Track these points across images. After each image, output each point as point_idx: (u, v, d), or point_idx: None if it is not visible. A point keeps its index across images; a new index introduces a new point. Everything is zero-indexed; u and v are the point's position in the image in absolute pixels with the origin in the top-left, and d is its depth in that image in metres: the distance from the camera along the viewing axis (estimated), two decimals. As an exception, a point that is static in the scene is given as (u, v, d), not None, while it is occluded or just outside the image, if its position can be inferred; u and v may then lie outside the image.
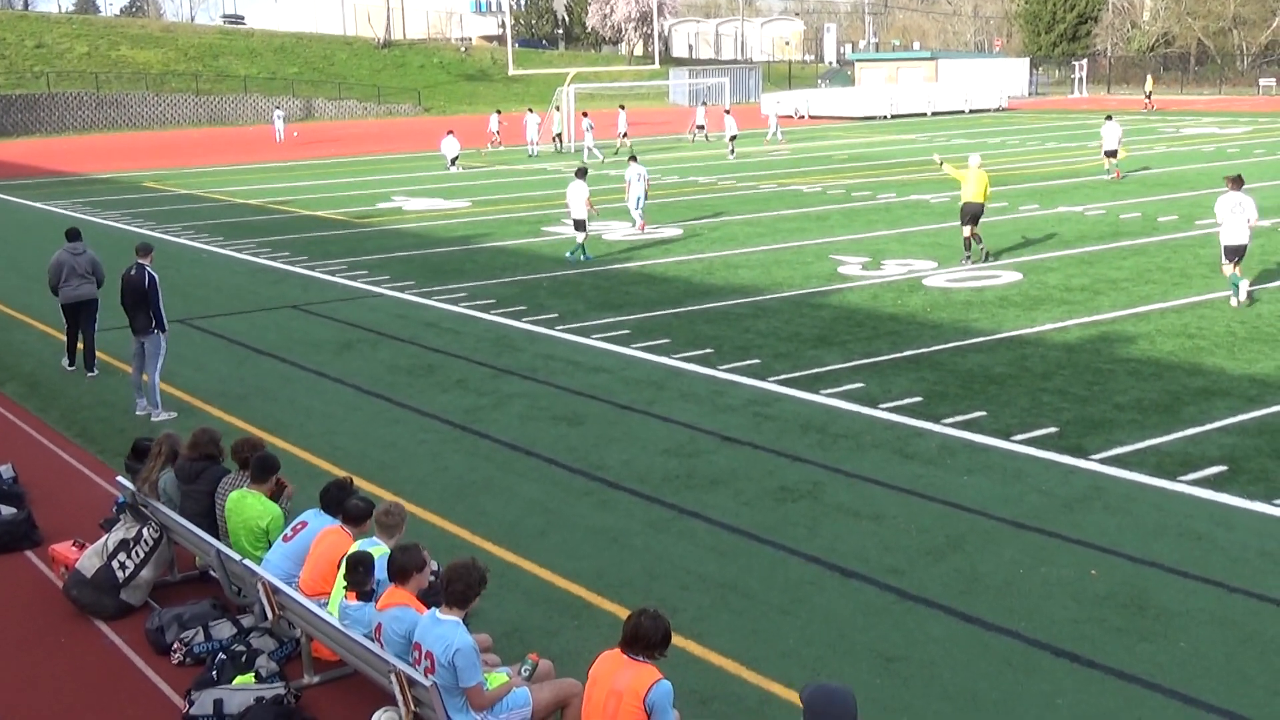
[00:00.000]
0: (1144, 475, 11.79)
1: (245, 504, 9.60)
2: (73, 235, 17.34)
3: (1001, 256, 23.86)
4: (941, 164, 26.03)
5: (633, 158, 29.71)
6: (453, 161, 47.16)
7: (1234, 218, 19.23)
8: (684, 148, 55.46)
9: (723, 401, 14.80)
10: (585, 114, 53.83)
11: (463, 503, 11.79)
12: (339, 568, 8.33)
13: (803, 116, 75.64)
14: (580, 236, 25.18)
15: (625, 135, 53.36)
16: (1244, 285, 19.33)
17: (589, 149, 50.41)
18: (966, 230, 23.41)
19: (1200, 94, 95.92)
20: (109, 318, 17.50)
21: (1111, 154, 37.46)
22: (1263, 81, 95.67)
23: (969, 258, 23.43)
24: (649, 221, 28.88)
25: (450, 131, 48.11)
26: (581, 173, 26.06)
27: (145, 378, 15.16)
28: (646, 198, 28.80)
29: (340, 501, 8.99)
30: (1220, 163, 41.14)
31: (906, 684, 8.18)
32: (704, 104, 60.50)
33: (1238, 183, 19.64)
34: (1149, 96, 77.53)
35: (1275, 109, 73.59)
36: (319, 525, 9.00)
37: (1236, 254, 19.16)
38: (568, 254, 25.33)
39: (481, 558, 9.53)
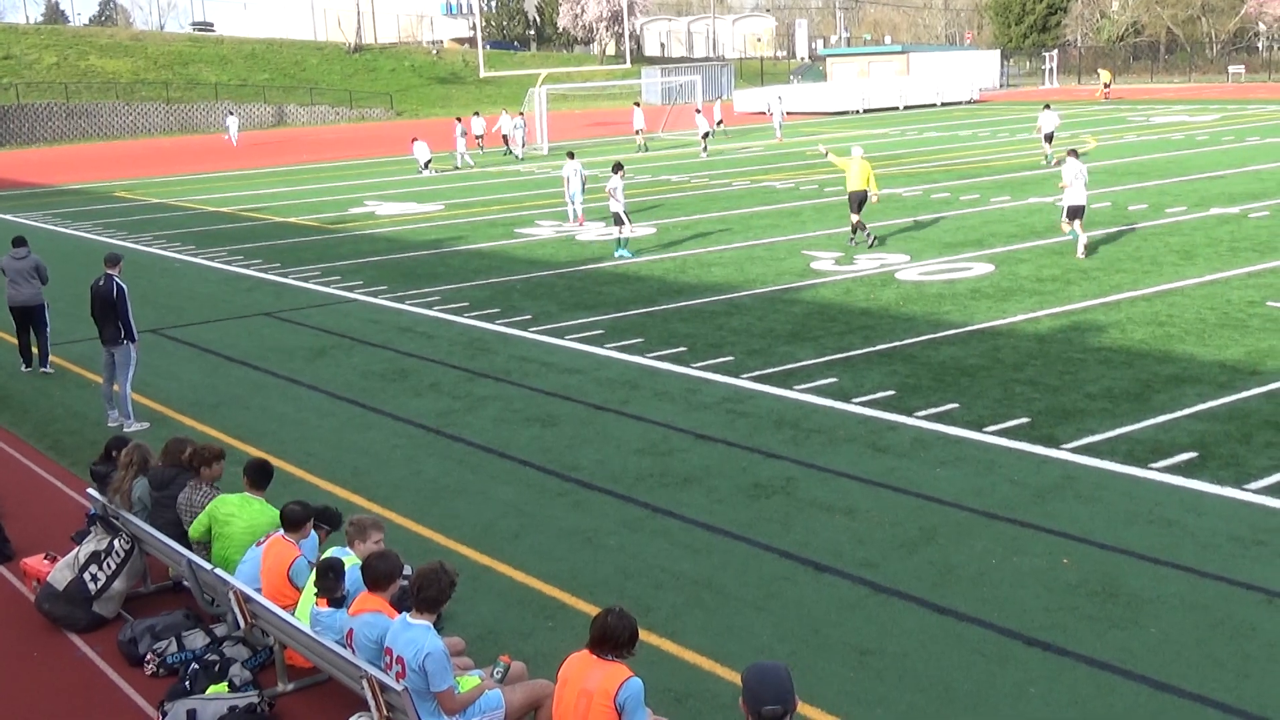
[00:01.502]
0: (1115, 463, 11.85)
1: (251, 509, 9.53)
2: (18, 242, 17.93)
3: (973, 249, 23.94)
4: (826, 154, 27.27)
5: (570, 155, 30.96)
6: (426, 165, 47.15)
7: (1077, 182, 22.88)
8: (655, 145, 55.44)
9: (696, 399, 14.81)
10: (460, 119, 52.96)
11: (437, 506, 11.77)
12: (288, 577, 8.32)
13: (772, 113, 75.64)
14: (620, 231, 25.18)
15: (640, 131, 53.61)
16: (1082, 238, 22.71)
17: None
18: (854, 216, 24.99)
19: (1170, 82, 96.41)
20: (80, 328, 17.44)
21: (1049, 138, 39.32)
22: (1231, 69, 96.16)
23: (855, 241, 25.09)
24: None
25: (415, 139, 48.06)
26: (617, 167, 26.04)
27: (116, 388, 15.11)
28: (584, 192, 30.13)
29: (293, 514, 8.99)
30: (1190, 150, 41.38)
31: (880, 677, 8.21)
32: (637, 104, 60.12)
33: (1076, 154, 23.73)
34: (1107, 86, 77.94)
35: (1244, 96, 73.98)
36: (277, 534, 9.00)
37: (1077, 213, 22.96)
38: (616, 252, 25.32)
39: (455, 561, 9.56)
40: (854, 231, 25.09)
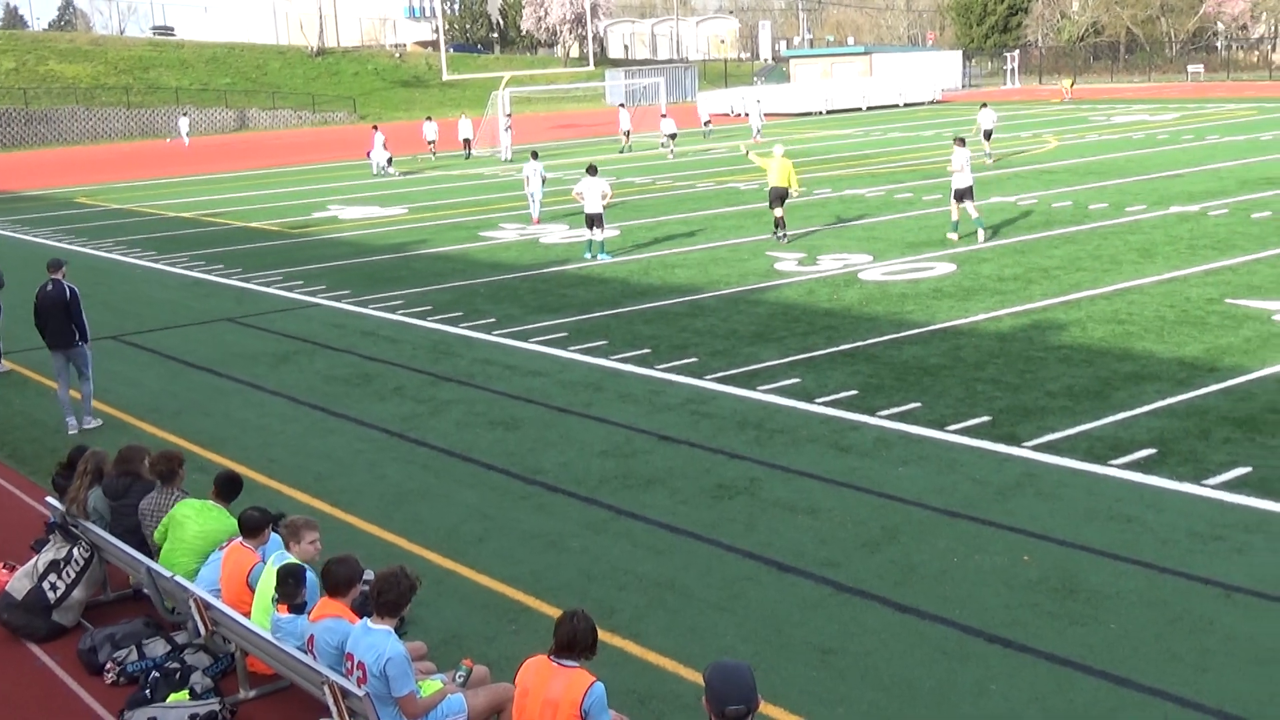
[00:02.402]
0: (1075, 460, 11.93)
1: (208, 515, 9.46)
2: None
3: (935, 249, 24.06)
4: (748, 153, 27.92)
5: (534, 154, 31.94)
6: (389, 162, 47.12)
7: (966, 167, 25.01)
8: (617, 148, 55.46)
9: (660, 401, 14.83)
10: (376, 128, 51.31)
11: (400, 511, 11.74)
12: (247, 583, 8.27)
13: (739, 115, 75.76)
14: (596, 234, 25.12)
15: (628, 133, 53.55)
16: (973, 213, 24.93)
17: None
18: (777, 211, 26.10)
19: (1130, 82, 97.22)
20: (32, 337, 17.27)
21: (988, 136, 40.51)
22: (1191, 68, 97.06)
23: (781, 236, 26.11)
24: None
25: (376, 141, 47.85)
26: (592, 169, 25.81)
27: (75, 393, 15.04)
28: (543, 192, 30.91)
29: (251, 519, 8.94)
30: (1150, 149, 41.72)
31: (843, 676, 8.24)
32: (623, 105, 60.02)
33: (962, 142, 25.74)
34: (1070, 86, 78.68)
35: (1203, 95, 74.65)
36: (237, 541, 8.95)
37: (965, 194, 24.96)
38: (585, 253, 25.35)
39: (419, 566, 9.56)
40: (777, 226, 26.25)
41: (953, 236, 24.99)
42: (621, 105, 56.97)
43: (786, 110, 75.71)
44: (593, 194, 24.78)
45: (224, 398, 16.24)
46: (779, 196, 26.05)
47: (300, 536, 8.46)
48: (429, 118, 57.75)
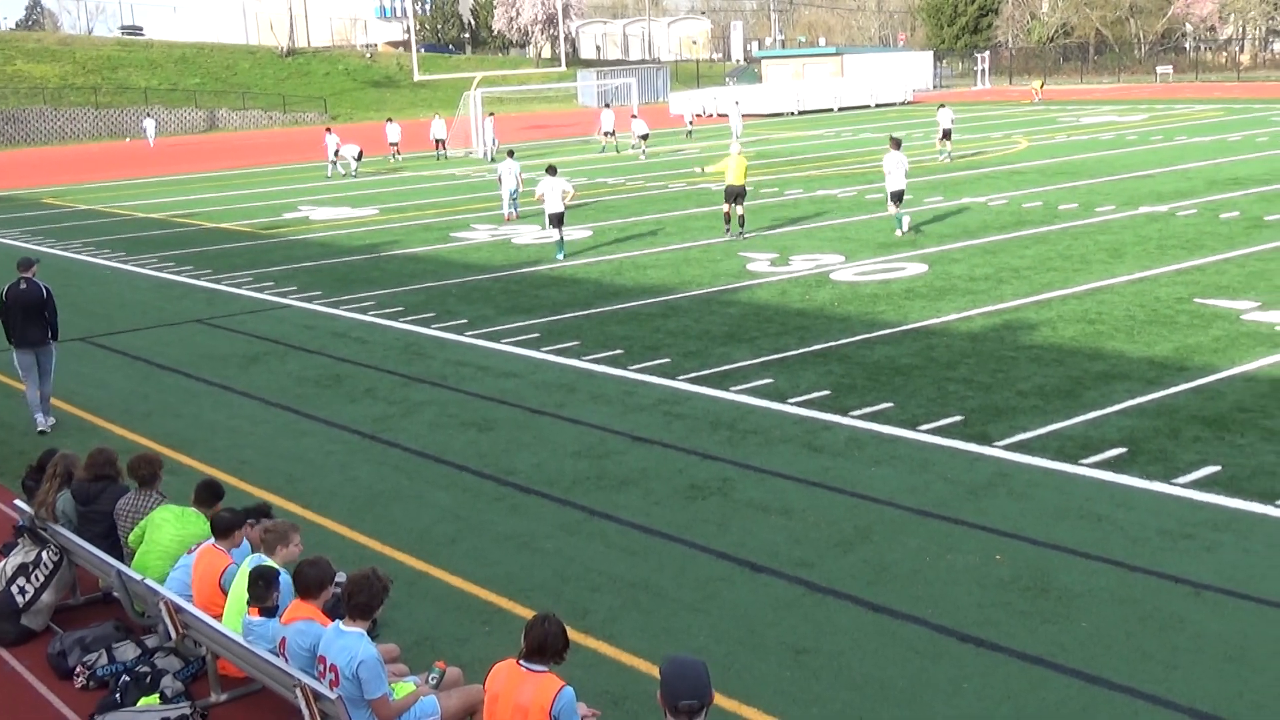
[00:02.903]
0: (1046, 460, 11.98)
1: (185, 519, 9.39)
2: None
3: (909, 248, 24.15)
4: (704, 170, 28.36)
5: (510, 153, 32.88)
6: (357, 158, 46.96)
7: (897, 169, 25.67)
8: (594, 148, 55.46)
9: (633, 402, 14.82)
10: (329, 130, 50.76)
11: (372, 513, 11.70)
12: (220, 585, 8.23)
13: (711, 115, 75.90)
14: (557, 234, 25.48)
15: (612, 133, 53.33)
16: (906, 220, 25.92)
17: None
18: (737, 209, 26.63)
19: (1100, 83, 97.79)
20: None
21: (947, 135, 41.15)
22: (1160, 69, 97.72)
23: (734, 231, 26.64)
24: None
25: (342, 143, 47.52)
26: (552, 170, 26.26)
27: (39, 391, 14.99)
28: (519, 190, 31.77)
29: (223, 520, 8.89)
30: (1120, 150, 41.97)
31: (816, 675, 8.24)
32: (607, 105, 59.82)
33: (897, 144, 26.45)
34: (1041, 87, 79.20)
35: (1172, 96, 75.15)
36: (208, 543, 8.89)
37: (898, 197, 25.75)
38: (557, 253, 25.47)
39: (391, 567, 9.53)
40: (726, 221, 26.99)
41: (899, 233, 25.80)
42: (606, 106, 56.71)
43: (758, 111, 75.76)
44: (553, 194, 25.17)
45: (194, 399, 16.15)
46: (735, 194, 26.55)
47: (288, 540, 8.41)
48: (390, 119, 57.40)
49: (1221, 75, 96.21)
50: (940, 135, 41.65)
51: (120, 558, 9.46)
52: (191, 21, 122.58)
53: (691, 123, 59.90)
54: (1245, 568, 9.43)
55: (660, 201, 34.11)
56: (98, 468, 9.99)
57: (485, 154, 52.15)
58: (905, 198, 26.27)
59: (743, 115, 58.81)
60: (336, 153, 47.39)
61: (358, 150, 47.56)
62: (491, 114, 55.15)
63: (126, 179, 50.95)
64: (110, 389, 16.91)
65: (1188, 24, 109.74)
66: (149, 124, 74.30)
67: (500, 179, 31.65)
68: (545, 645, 6.55)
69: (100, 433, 14.61)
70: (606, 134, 53.51)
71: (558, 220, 25.35)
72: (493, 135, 52.44)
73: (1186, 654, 8.21)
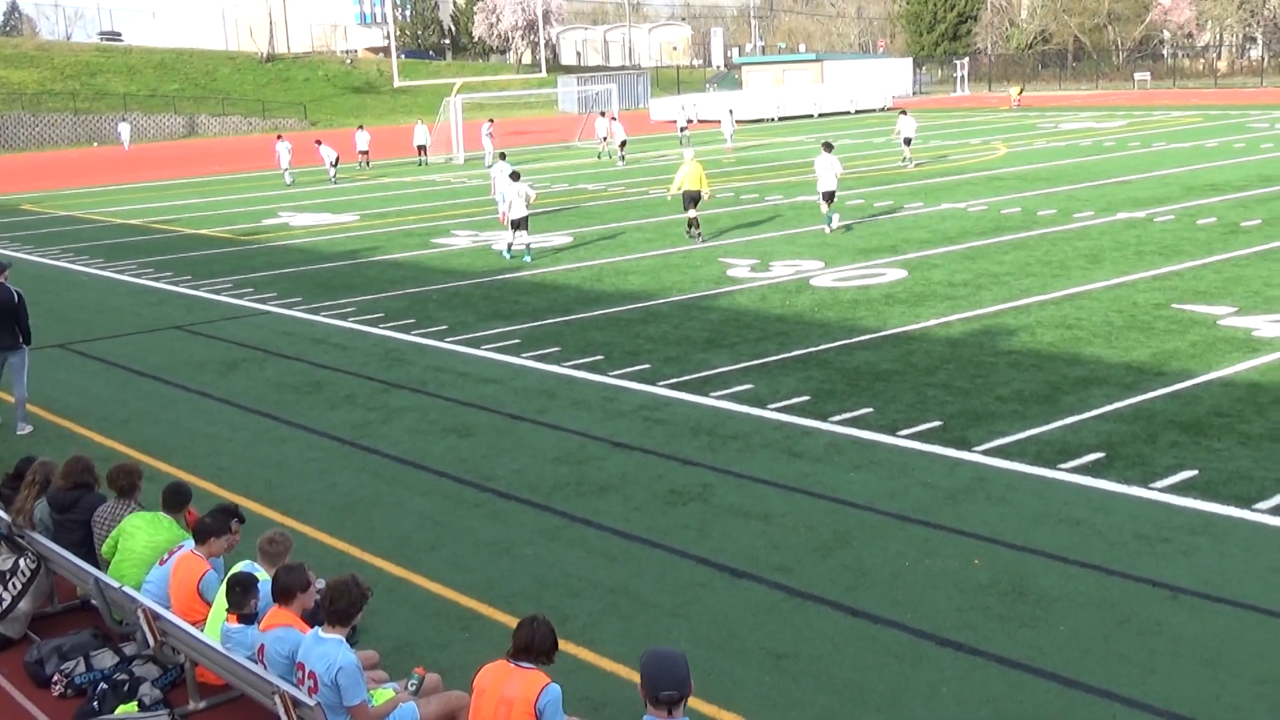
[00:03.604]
0: (1025, 465, 12.02)
1: (158, 525, 9.37)
2: None
3: (886, 254, 24.22)
4: (670, 195, 28.68)
5: (501, 155, 33.34)
6: (334, 163, 46.77)
7: (827, 172, 27.38)
8: (574, 154, 55.49)
9: (613, 408, 14.83)
10: (280, 136, 50.30)
11: (351, 519, 11.67)
12: (198, 592, 8.20)
13: (691, 121, 75.95)
14: (521, 236, 25.95)
15: (605, 139, 52.94)
16: (835, 218, 27.54)
17: (287, 171, 47.77)
18: (690, 213, 27.34)
19: (1078, 89, 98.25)
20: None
21: (908, 142, 41.80)
22: (1138, 76, 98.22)
23: (698, 235, 27.38)
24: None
25: (319, 142, 47.25)
26: (515, 175, 26.73)
27: (8, 396, 14.95)
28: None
29: (204, 526, 8.86)
30: (1098, 156, 42.17)
31: (796, 680, 8.26)
32: (603, 112, 58.84)
33: (829, 148, 28.26)
34: (1020, 93, 79.62)
35: (1150, 102, 75.54)
36: (187, 549, 8.86)
37: (829, 197, 27.43)
38: (525, 257, 25.90)
39: (370, 574, 9.51)
40: (690, 226, 27.54)
41: (828, 230, 27.47)
42: (602, 113, 56.20)
43: (739, 117, 75.80)
44: (517, 199, 25.71)
45: (173, 406, 16.10)
46: (691, 199, 27.28)
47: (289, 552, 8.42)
48: (360, 126, 56.96)
49: (1199, 82, 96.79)
50: (902, 141, 42.08)
51: (97, 565, 9.43)
52: (171, 27, 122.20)
53: (685, 128, 59.84)
54: (1222, 571, 9.48)
55: (640, 208, 34.14)
56: (74, 475, 9.94)
57: (487, 161, 51.63)
58: (835, 198, 27.84)
59: (697, 120, 58.98)
60: (329, 155, 47.12)
61: (335, 155, 47.36)
62: (491, 119, 54.96)
63: (105, 185, 50.77)
64: (88, 396, 16.85)
65: (1165, 31, 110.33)
66: (124, 128, 74.54)
67: (494, 182, 31.87)
68: (533, 644, 6.63)
69: (78, 439, 14.55)
70: (604, 140, 53.26)
71: (521, 224, 25.94)
72: (489, 129, 52.39)
73: (1164, 657, 8.25)
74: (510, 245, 26.24)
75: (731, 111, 57.48)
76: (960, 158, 43.89)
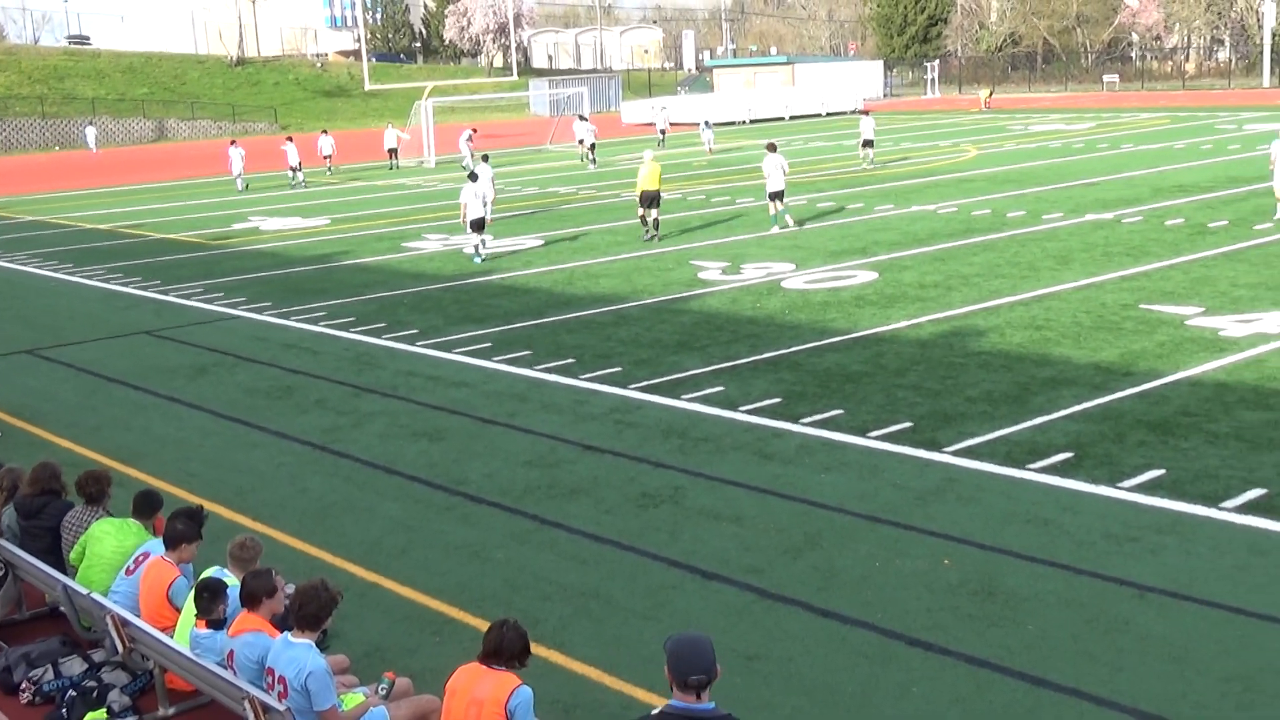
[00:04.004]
0: (994, 465, 12.09)
1: (126, 530, 9.32)
2: None
3: (857, 256, 24.30)
4: (654, 224, 28.51)
5: (484, 158, 33.96)
6: (295, 170, 46.38)
7: (776, 171, 28.09)
8: (546, 158, 55.44)
9: (584, 410, 14.83)
10: (234, 142, 48.93)
11: (322, 524, 11.64)
12: (168, 598, 8.17)
13: (670, 124, 75.92)
14: (481, 238, 26.50)
15: (583, 142, 52.10)
16: (788, 218, 28.54)
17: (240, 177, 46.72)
18: (642, 211, 28.07)
19: (1047, 91, 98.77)
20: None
21: (869, 144, 42.30)
22: (1106, 78, 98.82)
23: (651, 234, 27.99)
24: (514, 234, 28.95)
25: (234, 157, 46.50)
26: (473, 177, 27.34)
27: None
28: (493, 196, 31.99)
29: (174, 531, 8.81)
30: (1067, 158, 42.41)
31: (766, 681, 8.28)
32: (582, 116, 57.95)
33: (773, 148, 28.90)
34: (990, 96, 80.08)
35: (1118, 104, 76.01)
36: (156, 555, 8.82)
37: (778, 196, 28.25)
38: (475, 259, 26.40)
39: (341, 579, 9.48)
40: (643, 223, 28.27)
41: (776, 230, 28.34)
42: (581, 118, 55.81)
43: (711, 119, 75.86)
44: (475, 200, 26.38)
45: (142, 412, 16.02)
46: (650, 199, 27.99)
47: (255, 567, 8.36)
48: (324, 131, 56.53)
49: (1167, 84, 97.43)
50: (861, 143, 42.56)
51: (65, 572, 9.37)
52: (139, 31, 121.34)
53: (664, 131, 59.71)
54: (1188, 570, 9.56)
55: (611, 211, 34.14)
56: (42, 482, 9.89)
57: (465, 165, 51.27)
58: (785, 197, 29.05)
59: (672, 123, 59.10)
60: (294, 156, 46.66)
61: (298, 160, 47.01)
62: (474, 128, 54.60)
63: (74, 190, 50.46)
64: (57, 401, 16.75)
65: (1134, 33, 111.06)
66: (90, 131, 74.43)
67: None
68: (501, 648, 6.65)
69: (47, 446, 14.45)
70: (580, 143, 52.63)
71: (479, 226, 26.53)
72: (469, 133, 52.19)
73: (1131, 655, 8.31)
74: (481, 243, 26.61)
75: (709, 122, 57.01)
76: (923, 159, 44.05)
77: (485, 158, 34.82)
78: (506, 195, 39.41)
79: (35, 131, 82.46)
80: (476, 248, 26.56)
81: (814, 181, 39.03)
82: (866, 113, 44.27)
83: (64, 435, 15.06)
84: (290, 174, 47.52)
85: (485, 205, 26.51)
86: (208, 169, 58.32)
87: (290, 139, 50.03)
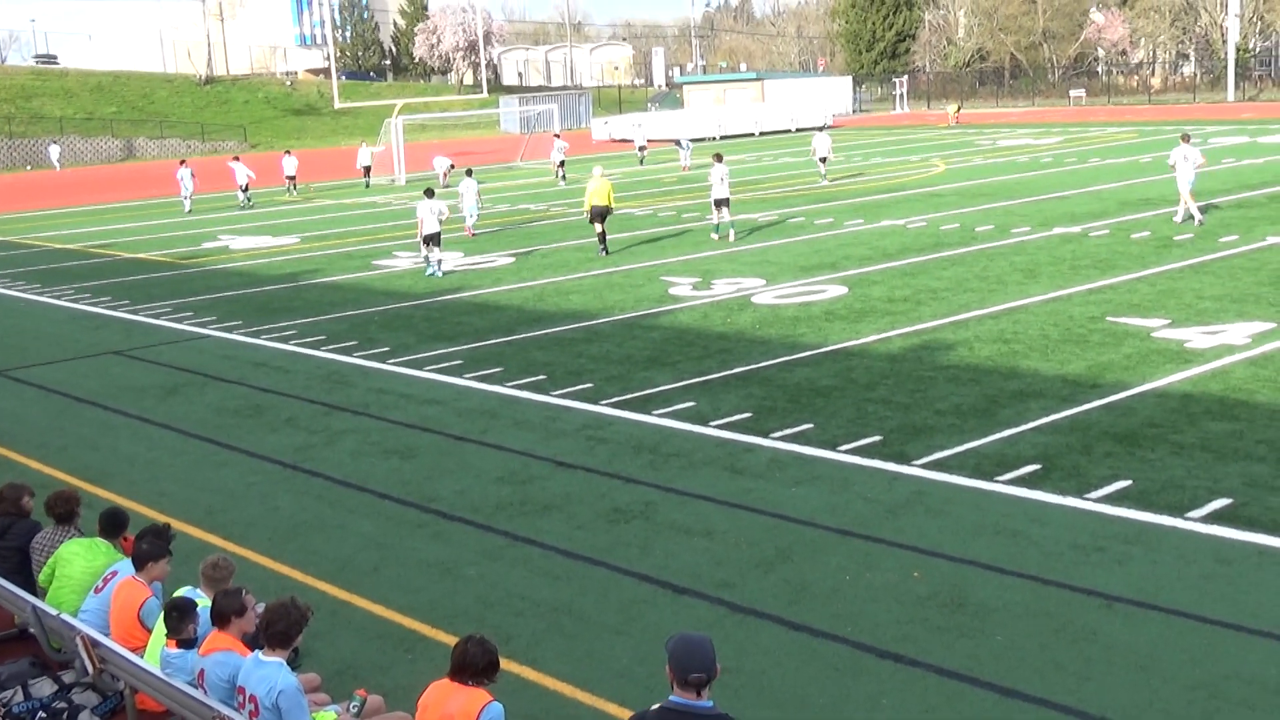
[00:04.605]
0: (963, 477, 12.17)
1: (95, 550, 9.28)
2: None
3: (827, 271, 24.42)
4: (602, 239, 29.03)
5: (468, 172, 35.34)
6: (244, 190, 45.89)
7: (721, 183, 29.53)
8: (516, 175, 55.47)
9: (556, 427, 14.86)
10: (184, 162, 47.94)
11: (293, 543, 11.62)
12: (139, 618, 8.14)
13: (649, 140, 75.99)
14: (435, 253, 26.99)
15: (561, 163, 51.42)
16: (731, 232, 29.77)
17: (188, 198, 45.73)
18: (598, 227, 28.75)
19: (1015, 106, 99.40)
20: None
21: (824, 160, 43.23)
22: (1073, 93, 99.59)
23: (602, 250, 28.51)
24: (493, 250, 28.93)
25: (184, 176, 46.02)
26: (430, 193, 27.63)
27: None
28: (479, 208, 34.13)
29: (141, 551, 8.79)
30: (1035, 172, 42.72)
31: (738, 695, 8.31)
32: (557, 134, 57.39)
33: (719, 158, 30.39)
34: (958, 111, 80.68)
35: (1085, 119, 76.60)
36: (125, 575, 8.79)
37: (724, 204, 29.79)
38: (428, 270, 27.15)
39: (313, 597, 9.47)
40: (601, 241, 28.78)
41: (715, 237, 29.90)
42: (556, 135, 55.56)
43: (681, 136, 76.11)
44: (430, 216, 26.73)
45: (112, 432, 15.96)
46: (599, 214, 28.66)
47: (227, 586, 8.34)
48: (288, 151, 56.09)
49: (1133, 98, 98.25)
50: (818, 160, 43.19)
51: (34, 593, 9.33)
52: (108, 50, 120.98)
53: (644, 148, 59.78)
54: (1155, 579, 9.64)
55: (581, 227, 34.09)
56: (9, 502, 9.84)
57: (441, 181, 50.96)
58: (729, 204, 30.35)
59: (656, 140, 59.31)
60: (242, 175, 45.98)
61: (246, 179, 46.25)
62: (454, 164, 53.99)
63: (41, 209, 50.20)
64: (25, 422, 16.67)
65: (1100, 48, 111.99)
66: (54, 149, 74.60)
67: (462, 196, 33.88)
68: (465, 664, 6.65)
69: (15, 467, 14.38)
70: (560, 164, 51.91)
71: (434, 240, 26.89)
72: (449, 164, 52.13)
73: (1099, 665, 8.39)
74: (438, 263, 27.04)
75: (686, 143, 56.84)
76: (892, 174, 44.29)
77: (469, 172, 35.62)
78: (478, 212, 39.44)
79: (2, 151, 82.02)
80: (427, 259, 27.13)
81: (784, 197, 39.19)
82: (821, 128, 44.81)
83: (32, 456, 14.98)
84: (240, 194, 46.80)
85: (440, 221, 26.91)
86: (176, 188, 58.03)
87: (237, 158, 49.56)
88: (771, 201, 38.14)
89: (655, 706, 5.99)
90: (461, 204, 33.90)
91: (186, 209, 45.38)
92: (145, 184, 62.23)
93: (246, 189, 46.70)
